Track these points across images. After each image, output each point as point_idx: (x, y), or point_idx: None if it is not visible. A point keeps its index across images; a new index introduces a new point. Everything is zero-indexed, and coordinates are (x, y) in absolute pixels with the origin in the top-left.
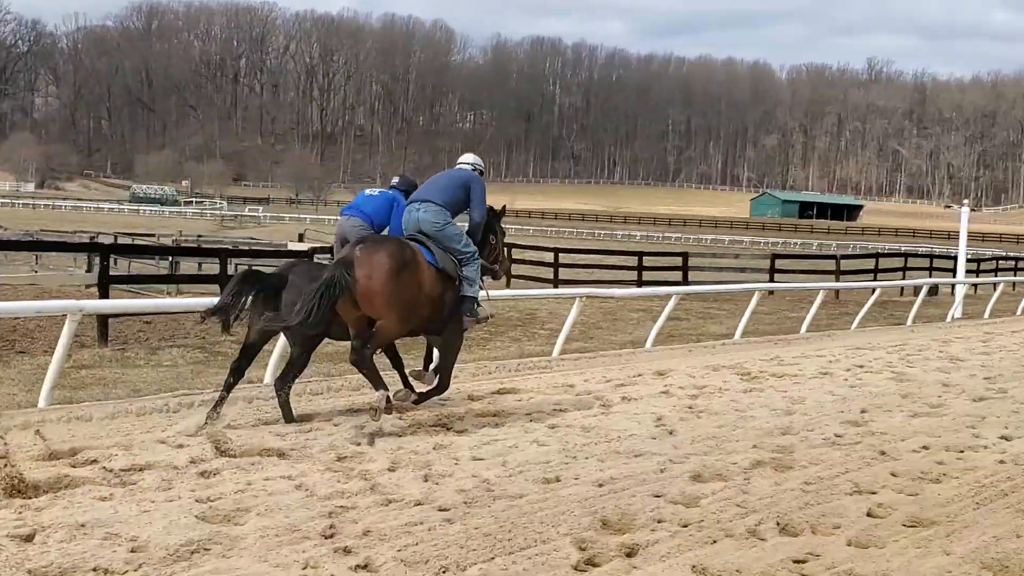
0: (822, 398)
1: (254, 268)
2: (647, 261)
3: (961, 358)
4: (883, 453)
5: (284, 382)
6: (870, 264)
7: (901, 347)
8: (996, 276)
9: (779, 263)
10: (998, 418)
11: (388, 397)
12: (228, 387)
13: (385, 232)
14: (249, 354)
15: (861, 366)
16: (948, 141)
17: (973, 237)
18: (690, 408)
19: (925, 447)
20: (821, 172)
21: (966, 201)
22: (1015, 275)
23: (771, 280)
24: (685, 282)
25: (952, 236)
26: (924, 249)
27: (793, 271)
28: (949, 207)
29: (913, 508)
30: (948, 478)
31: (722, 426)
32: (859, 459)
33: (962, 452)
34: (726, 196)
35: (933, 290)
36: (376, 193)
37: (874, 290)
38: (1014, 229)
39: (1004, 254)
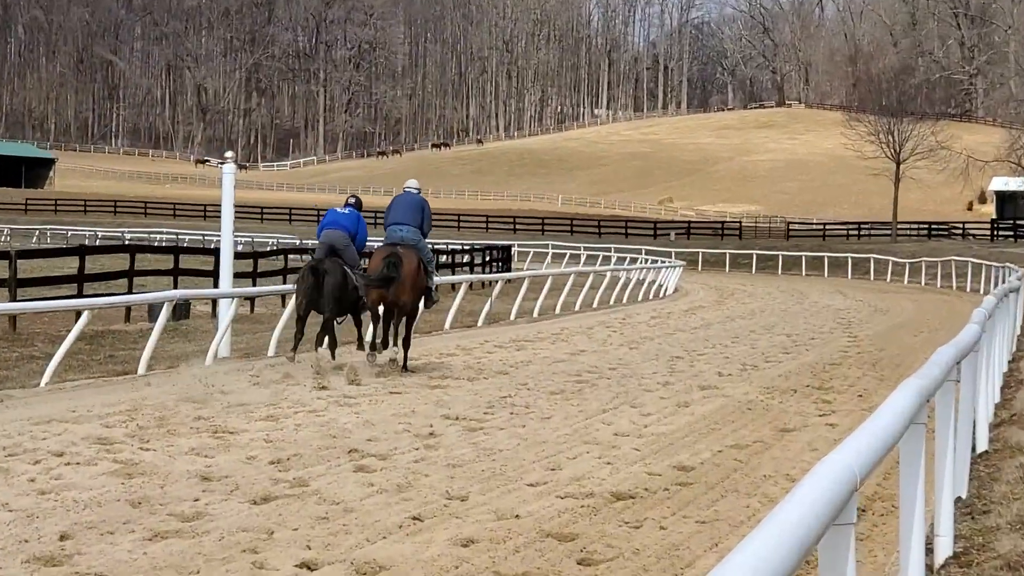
0: None
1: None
2: None
3: (232, 429)
4: None
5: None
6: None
7: (131, 413)
8: (285, 282)
9: None
10: (296, 531)
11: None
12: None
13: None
14: (305, 318)
15: (76, 445)
16: (195, 48)
17: (247, 212)
18: None
19: None
20: None
21: (229, 154)
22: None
23: None
24: None
25: (210, 212)
26: (165, 235)
27: None
28: (205, 162)
29: None
30: None
31: None
32: None
33: None
34: None
35: (182, 310)
36: (346, 211)
37: (80, 314)
38: (308, 198)
39: (298, 241)
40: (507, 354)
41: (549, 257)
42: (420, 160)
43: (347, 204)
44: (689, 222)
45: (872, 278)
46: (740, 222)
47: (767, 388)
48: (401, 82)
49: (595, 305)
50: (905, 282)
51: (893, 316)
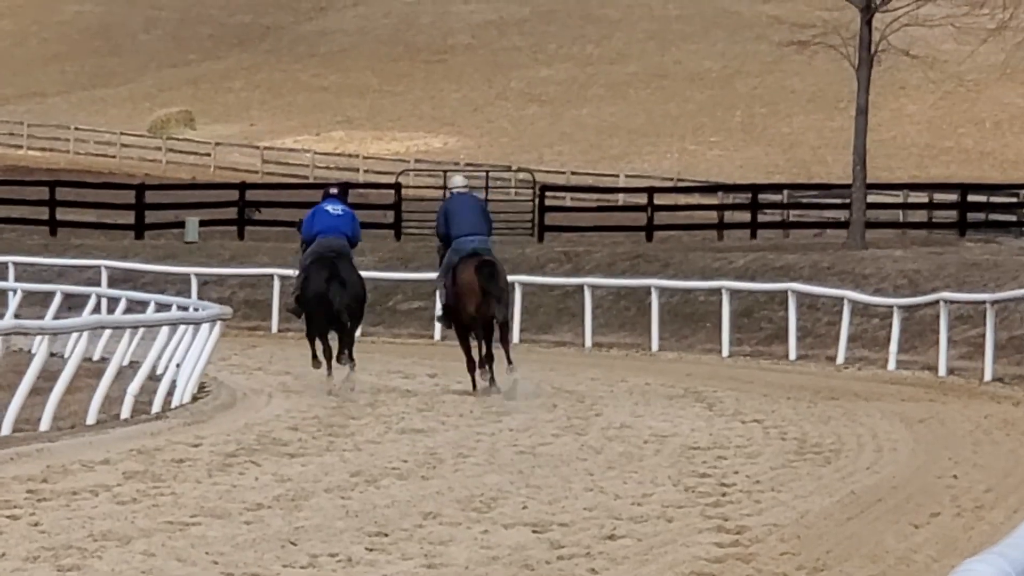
0: None
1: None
2: None
3: None
4: None
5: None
6: None
7: None
8: None
9: None
10: None
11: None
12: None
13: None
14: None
15: None
16: None
17: None
18: None
19: None
20: None
21: None
22: None
23: None
24: None
25: None
26: None
27: None
28: None
29: None
30: None
31: None
32: None
33: None
34: None
35: None
36: (339, 211)
37: None
38: None
39: None
40: None
41: None
42: None
43: (329, 196)
44: (244, 186)
45: (814, 349)
46: (398, 189)
47: None
48: None
49: None
50: (889, 366)
51: (844, 468)
